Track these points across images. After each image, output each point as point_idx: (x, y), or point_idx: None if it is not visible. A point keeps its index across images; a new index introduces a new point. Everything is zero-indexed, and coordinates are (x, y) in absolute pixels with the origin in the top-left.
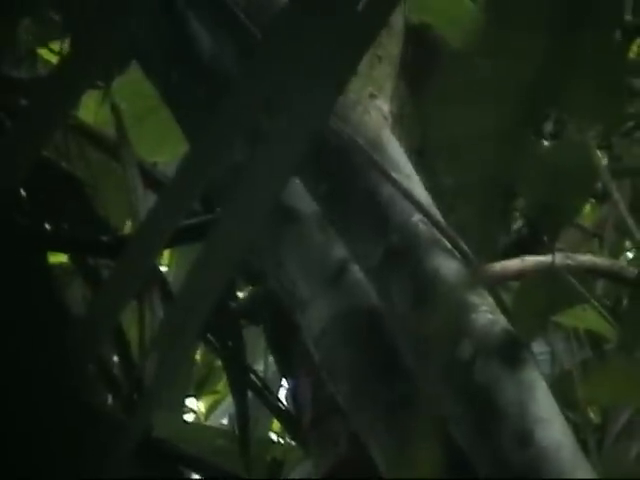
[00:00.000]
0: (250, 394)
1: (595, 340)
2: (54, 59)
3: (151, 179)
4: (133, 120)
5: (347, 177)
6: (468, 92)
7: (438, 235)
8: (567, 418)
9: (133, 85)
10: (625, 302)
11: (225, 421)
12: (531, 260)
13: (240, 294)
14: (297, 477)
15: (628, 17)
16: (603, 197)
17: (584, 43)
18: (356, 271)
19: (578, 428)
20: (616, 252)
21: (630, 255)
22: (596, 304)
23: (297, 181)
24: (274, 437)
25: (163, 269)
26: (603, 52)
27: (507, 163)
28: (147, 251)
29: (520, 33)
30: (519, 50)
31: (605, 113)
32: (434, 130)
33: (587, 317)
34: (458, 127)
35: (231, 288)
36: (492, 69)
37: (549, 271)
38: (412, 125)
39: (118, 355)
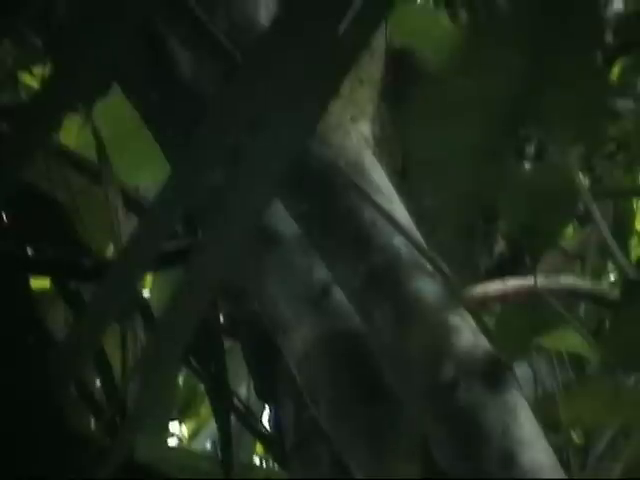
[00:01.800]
0: (233, 418)
1: (578, 362)
2: (35, 83)
3: (133, 202)
4: (114, 143)
5: (328, 199)
6: (448, 112)
7: (420, 257)
8: (550, 440)
9: (114, 108)
10: (607, 324)
11: (208, 445)
12: (513, 282)
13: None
14: None
15: (609, 39)
16: (585, 219)
17: (565, 64)
18: (338, 293)
19: (561, 450)
20: (598, 274)
21: (612, 277)
22: (578, 326)
23: (279, 203)
24: (257, 460)
25: (145, 293)
26: (584, 73)
27: (487, 182)
28: (130, 275)
29: (500, 53)
30: (499, 70)
31: (587, 134)
32: (415, 150)
33: (569, 339)
34: (438, 147)
35: (213, 311)
36: (472, 89)
37: (531, 293)
38: (394, 147)
39: (100, 379)
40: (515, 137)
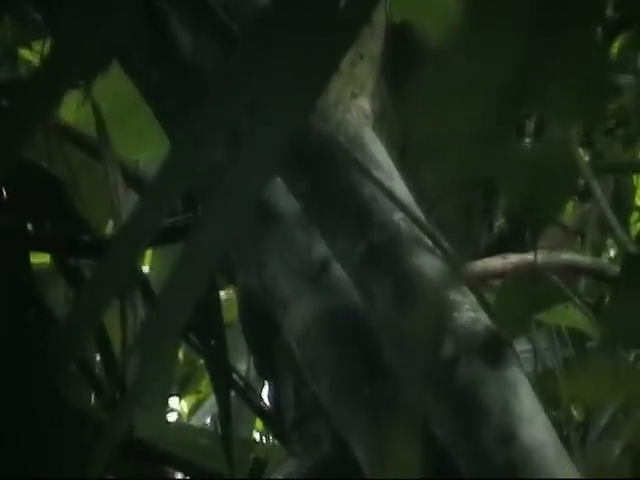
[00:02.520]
0: (233, 393)
1: (578, 338)
2: (35, 59)
3: (132, 178)
4: (114, 119)
5: (328, 175)
6: (449, 90)
7: (420, 233)
8: (550, 416)
9: (114, 84)
10: (607, 300)
11: (208, 421)
12: (513, 258)
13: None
14: (280, 477)
15: (609, 13)
16: (585, 195)
17: (565, 41)
18: (338, 269)
19: (561, 425)
20: (598, 250)
21: (612, 253)
22: (578, 302)
23: (278, 180)
24: (257, 437)
25: (145, 269)
26: (584, 49)
27: (488, 160)
28: (130, 251)
29: (500, 31)
30: (499, 48)
31: (586, 110)
32: (415, 128)
33: (570, 315)
34: (439, 125)
35: (213, 287)
36: (472, 68)
37: (531, 269)
38: (394, 123)
39: (100, 354)
40: (516, 115)
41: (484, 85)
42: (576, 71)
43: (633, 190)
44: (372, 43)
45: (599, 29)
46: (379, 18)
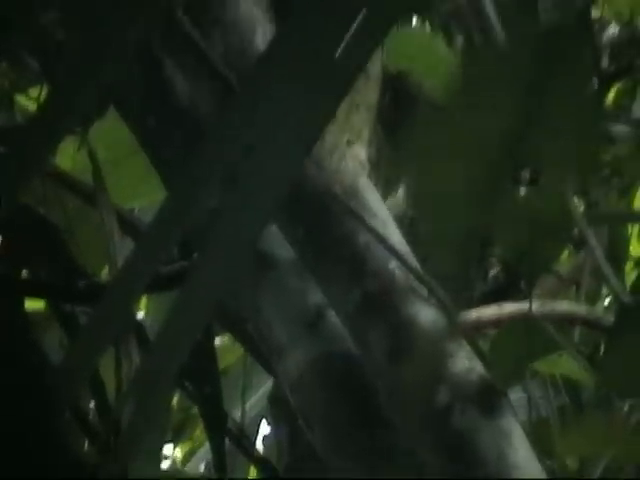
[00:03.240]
0: (227, 441)
1: (572, 387)
2: (32, 105)
3: (128, 225)
4: (110, 166)
5: (324, 223)
6: (445, 144)
7: (415, 282)
8: (544, 465)
9: (110, 131)
10: (602, 349)
11: (202, 468)
12: (508, 307)
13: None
14: None
15: (604, 64)
16: (580, 244)
17: (559, 92)
18: (333, 317)
19: (555, 475)
20: (593, 299)
21: (607, 302)
22: (573, 351)
23: (274, 227)
24: None
25: (140, 315)
26: (577, 102)
27: (483, 214)
28: (125, 298)
29: (496, 86)
30: (495, 102)
31: (580, 162)
32: (412, 182)
33: (564, 364)
34: (435, 179)
35: (208, 334)
36: (469, 121)
37: (526, 318)
38: (389, 172)
39: (95, 401)
40: (511, 168)
41: (480, 139)
42: (570, 122)
43: (628, 239)
44: (368, 91)
45: (594, 79)
46: (375, 67)
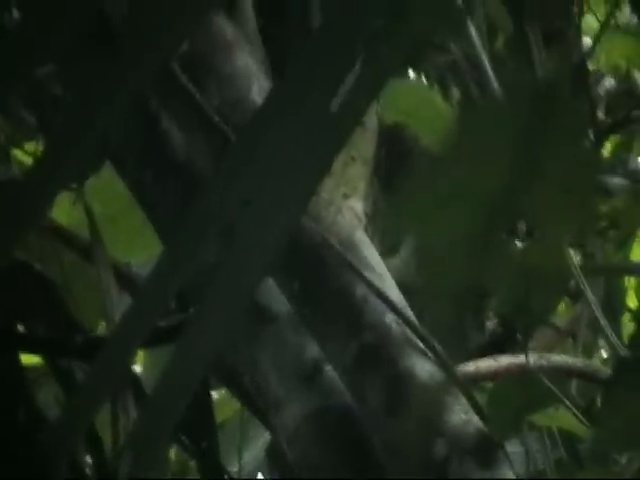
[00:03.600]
0: None
1: (569, 440)
2: (28, 160)
3: (125, 280)
4: (106, 221)
5: (320, 277)
6: (441, 196)
7: (412, 335)
8: None
9: (106, 186)
10: (599, 402)
11: None
12: (505, 360)
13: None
14: None
15: (601, 116)
16: (576, 296)
17: (555, 145)
18: (330, 370)
19: None
20: (590, 351)
21: (604, 354)
22: (570, 404)
23: (271, 281)
24: None
25: (137, 368)
26: (574, 155)
27: (480, 268)
28: (122, 352)
29: (493, 139)
30: (491, 155)
31: (576, 215)
32: (408, 235)
33: (561, 417)
34: (431, 231)
35: (205, 387)
36: (465, 174)
37: (523, 371)
38: (385, 224)
39: (91, 456)
40: (507, 221)
41: (477, 192)
42: (567, 175)
43: (625, 291)
44: (364, 144)
45: (590, 132)
46: (371, 119)
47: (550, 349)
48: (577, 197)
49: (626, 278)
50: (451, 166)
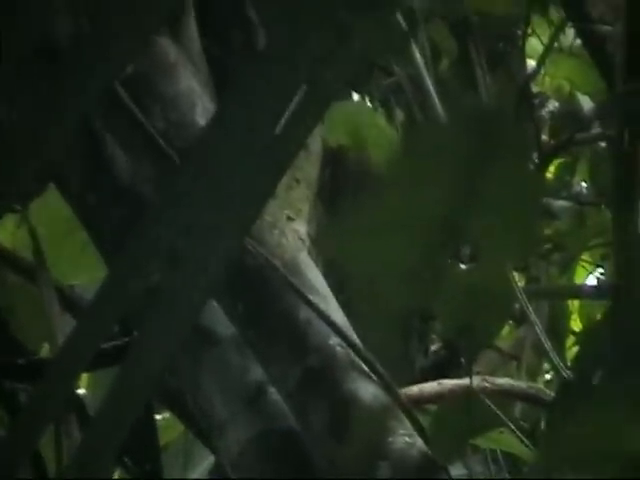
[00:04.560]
0: None
1: (513, 463)
2: None
3: (69, 302)
4: (50, 243)
5: (264, 299)
6: (383, 219)
7: (355, 358)
8: None
9: (50, 208)
10: (543, 425)
11: None
12: (448, 383)
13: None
14: None
15: (545, 137)
16: (520, 319)
17: (498, 170)
18: (274, 393)
19: None
20: (534, 374)
21: (548, 377)
22: (514, 427)
23: (214, 303)
24: None
25: (81, 391)
26: (517, 178)
27: (422, 292)
28: (66, 375)
29: (436, 162)
30: (434, 178)
31: (520, 238)
32: (348, 262)
33: (505, 440)
34: (372, 258)
35: (148, 410)
36: (407, 196)
37: (467, 394)
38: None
39: (35, 478)
40: (451, 243)
41: (419, 214)
42: (510, 198)
43: (569, 315)
44: (308, 166)
45: (534, 154)
46: (315, 142)
47: (494, 372)
48: (520, 221)
49: (570, 301)
50: (392, 190)
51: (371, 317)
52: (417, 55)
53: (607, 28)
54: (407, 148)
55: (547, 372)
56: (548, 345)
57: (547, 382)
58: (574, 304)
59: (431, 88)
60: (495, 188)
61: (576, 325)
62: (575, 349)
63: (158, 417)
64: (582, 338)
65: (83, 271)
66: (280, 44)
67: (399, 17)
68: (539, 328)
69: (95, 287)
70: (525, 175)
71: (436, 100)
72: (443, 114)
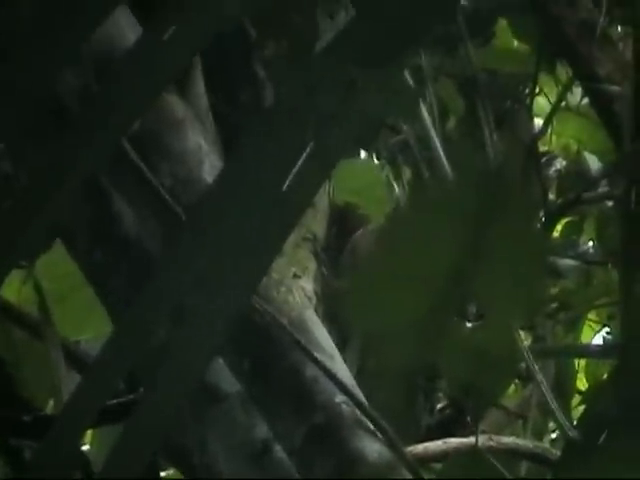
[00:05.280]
0: None
1: None
2: None
3: (74, 358)
4: (56, 299)
5: (271, 356)
6: (391, 276)
7: (361, 416)
8: None
9: (56, 264)
10: None
11: None
12: (454, 441)
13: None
14: None
15: (552, 196)
16: (527, 378)
17: (505, 227)
18: (279, 451)
19: None
20: (540, 433)
21: (554, 436)
22: None
23: (221, 360)
24: None
25: (86, 447)
26: (524, 236)
27: (429, 348)
28: (71, 432)
29: (443, 219)
30: (442, 236)
31: (527, 297)
32: (357, 321)
33: None
34: (380, 312)
35: (153, 467)
36: (415, 254)
37: (472, 453)
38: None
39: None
40: (458, 301)
41: (427, 272)
42: (517, 257)
43: (574, 373)
44: (315, 224)
45: (540, 213)
46: (321, 200)
47: (500, 431)
48: (526, 279)
49: (576, 360)
50: (401, 245)
51: (378, 374)
52: (425, 113)
53: (615, 88)
54: (414, 204)
55: (553, 431)
56: (554, 404)
57: (553, 441)
58: (580, 363)
59: (439, 146)
60: (501, 246)
61: (582, 384)
62: (581, 408)
63: (163, 474)
64: (588, 398)
65: (89, 327)
66: (288, 101)
67: (407, 75)
68: (545, 387)
69: (100, 343)
70: (531, 233)
71: (443, 158)
72: (450, 172)
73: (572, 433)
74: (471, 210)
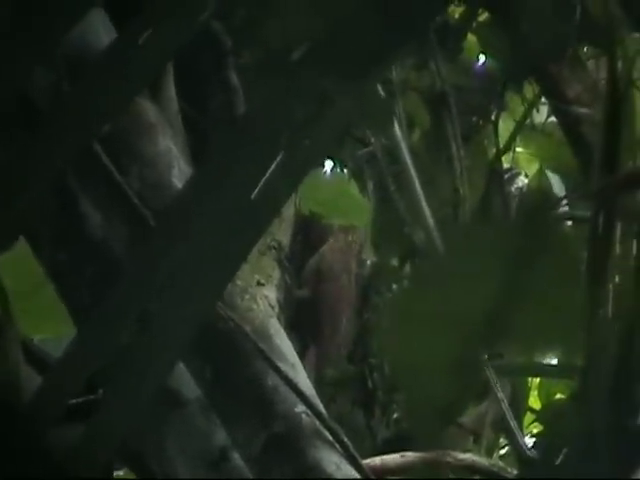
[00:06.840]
0: None
1: None
2: None
3: (34, 356)
4: (18, 296)
5: (233, 364)
6: (427, 313)
7: (320, 427)
8: None
9: (19, 261)
10: None
11: None
12: (411, 455)
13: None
14: None
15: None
16: (482, 395)
17: (543, 270)
18: (237, 458)
19: None
20: (490, 449)
21: (502, 452)
22: None
23: (182, 366)
24: None
25: None
26: (559, 284)
27: (461, 387)
28: (37, 428)
29: (483, 259)
30: (480, 275)
31: (562, 340)
32: (391, 357)
33: None
34: (414, 351)
35: (109, 468)
36: (448, 296)
37: (429, 466)
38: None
39: None
40: (488, 345)
41: (462, 313)
42: (549, 304)
43: (528, 391)
44: (280, 234)
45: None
46: (288, 209)
47: (453, 447)
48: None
49: (529, 379)
50: (435, 286)
51: (409, 410)
52: (395, 126)
53: (583, 110)
54: (448, 245)
55: (502, 447)
56: (513, 423)
57: (501, 456)
58: (534, 382)
59: (408, 159)
60: (538, 286)
61: (534, 402)
62: (532, 426)
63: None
64: (544, 417)
65: (49, 326)
66: (261, 110)
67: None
68: (505, 405)
69: (58, 342)
70: (572, 277)
71: (412, 171)
72: (419, 188)
73: (527, 451)
74: (511, 250)
